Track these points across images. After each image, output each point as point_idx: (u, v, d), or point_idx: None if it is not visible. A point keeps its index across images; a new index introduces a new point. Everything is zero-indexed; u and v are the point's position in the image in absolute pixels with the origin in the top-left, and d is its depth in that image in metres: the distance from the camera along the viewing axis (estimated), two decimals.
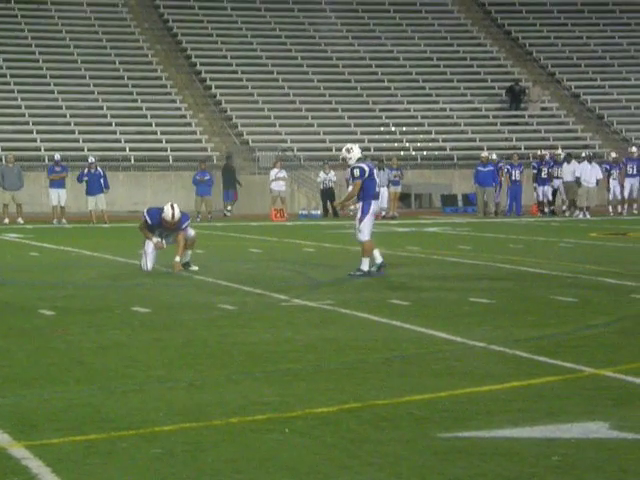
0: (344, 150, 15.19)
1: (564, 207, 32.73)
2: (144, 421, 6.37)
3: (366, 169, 14.74)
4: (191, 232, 15.57)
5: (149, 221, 15.51)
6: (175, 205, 15.45)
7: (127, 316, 10.97)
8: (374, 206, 14.74)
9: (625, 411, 6.58)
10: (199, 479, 5.26)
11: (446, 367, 8.08)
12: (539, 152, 34.37)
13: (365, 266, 14.61)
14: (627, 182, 32.70)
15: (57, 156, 30.90)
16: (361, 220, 14.71)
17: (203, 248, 18.42)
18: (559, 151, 33.76)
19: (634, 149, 33.38)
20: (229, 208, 33.17)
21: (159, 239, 15.46)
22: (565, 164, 32.47)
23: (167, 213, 15.26)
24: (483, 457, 5.58)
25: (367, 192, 14.64)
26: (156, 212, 15.55)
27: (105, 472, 5.36)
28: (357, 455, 5.65)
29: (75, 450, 5.76)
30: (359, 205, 14.80)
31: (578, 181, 32.08)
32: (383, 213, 29.63)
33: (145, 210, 15.98)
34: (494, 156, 33.22)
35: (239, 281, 14.09)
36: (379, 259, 14.71)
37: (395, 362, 8.32)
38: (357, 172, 14.69)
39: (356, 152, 14.93)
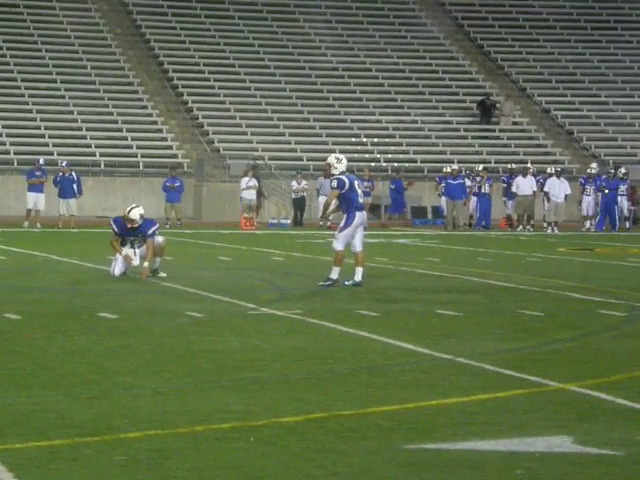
0: (333, 158, 15.11)
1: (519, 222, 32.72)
2: (109, 427, 6.34)
3: (346, 181, 14.74)
4: (159, 239, 15.56)
5: (116, 229, 15.48)
6: (135, 205, 15.60)
7: (94, 322, 10.91)
8: (358, 218, 14.74)
9: (589, 425, 6.61)
10: None
11: (412, 379, 8.09)
12: (509, 166, 34.58)
13: (335, 274, 14.62)
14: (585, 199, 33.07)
15: (41, 160, 30.61)
16: (341, 230, 14.74)
17: (172, 255, 18.37)
18: (529, 165, 33.99)
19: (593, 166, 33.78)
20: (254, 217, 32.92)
21: (128, 253, 15.40)
22: (520, 177, 32.59)
23: (126, 210, 15.34)
24: (448, 469, 5.59)
25: (350, 204, 14.68)
26: (120, 219, 15.57)
27: (68, 478, 5.33)
28: (322, 465, 5.64)
29: (38, 455, 5.72)
30: (344, 216, 14.79)
31: (547, 196, 32.28)
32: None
33: (111, 219, 15.96)
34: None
35: (207, 289, 14.06)
36: (359, 277, 14.68)
37: (362, 373, 8.32)
38: (335, 183, 14.73)
39: (343, 164, 14.90)
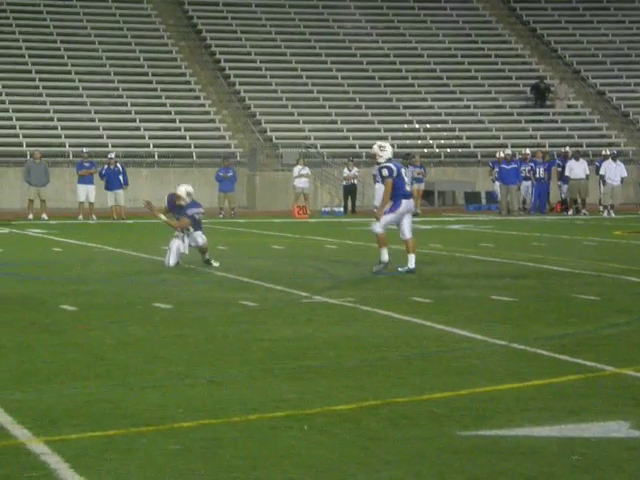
0: (377, 147, 15.08)
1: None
2: (163, 417, 6.37)
3: (394, 168, 14.73)
4: (200, 241, 15.47)
5: (166, 203, 15.89)
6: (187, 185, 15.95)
7: (148, 312, 10.98)
8: (404, 206, 14.71)
9: None
10: (217, 475, 5.25)
11: (467, 365, 8.04)
12: (563, 150, 34.28)
13: (385, 256, 14.61)
14: None
15: (84, 150, 30.97)
16: (386, 214, 14.71)
17: (225, 245, 18.44)
18: (580, 148, 33.71)
19: None
20: None
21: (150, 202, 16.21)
22: (573, 161, 32.31)
23: (177, 188, 15.72)
24: (503, 455, 5.56)
25: (397, 191, 14.66)
26: (172, 194, 15.83)
27: (123, 468, 5.37)
28: (376, 453, 5.63)
29: (94, 446, 5.77)
30: (390, 202, 14.74)
31: (603, 179, 31.97)
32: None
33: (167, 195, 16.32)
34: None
35: (260, 278, 14.09)
36: (411, 264, 14.61)
37: (415, 360, 8.29)
38: (385, 172, 14.68)
39: (388, 151, 14.88)
